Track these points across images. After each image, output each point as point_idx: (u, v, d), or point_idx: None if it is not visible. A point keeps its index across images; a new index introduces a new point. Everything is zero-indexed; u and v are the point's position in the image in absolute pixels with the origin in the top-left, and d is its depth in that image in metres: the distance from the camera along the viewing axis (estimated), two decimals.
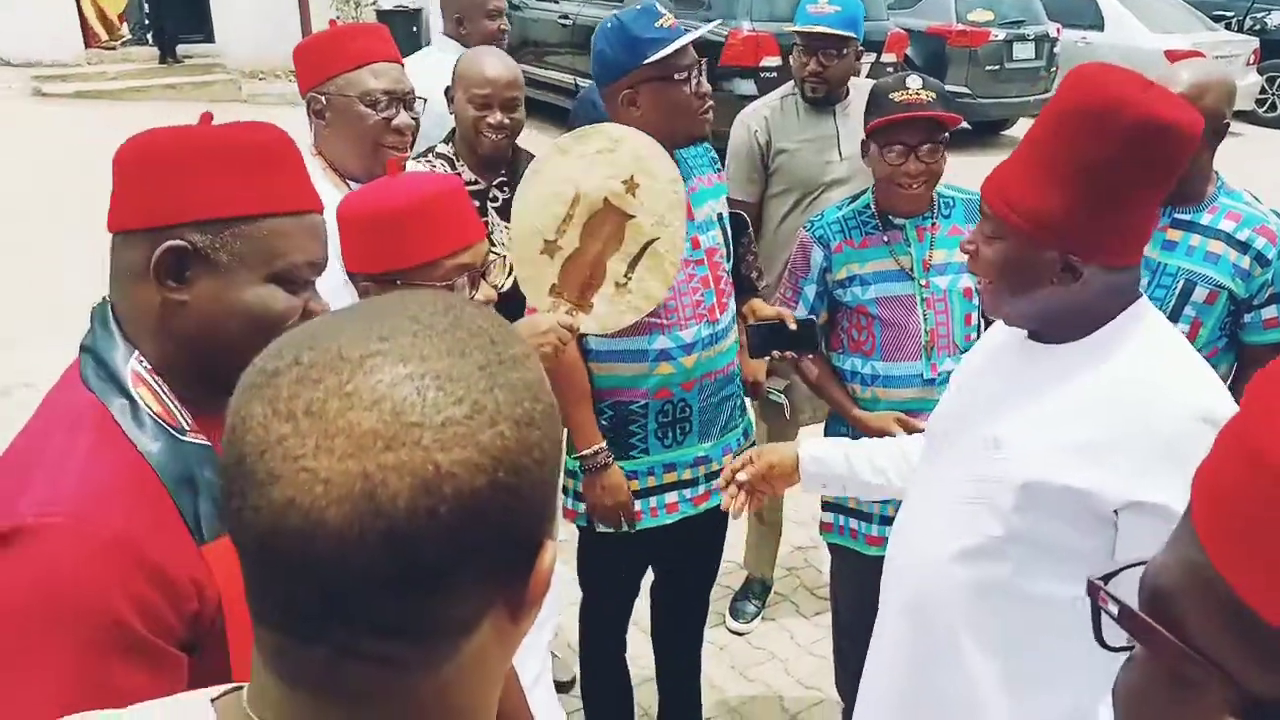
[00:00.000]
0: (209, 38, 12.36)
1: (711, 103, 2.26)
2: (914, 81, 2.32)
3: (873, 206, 2.46)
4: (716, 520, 2.48)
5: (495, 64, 2.55)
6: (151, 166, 1.09)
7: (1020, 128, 10.65)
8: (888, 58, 8.66)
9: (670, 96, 2.19)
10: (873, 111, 2.36)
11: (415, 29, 12.56)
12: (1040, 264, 1.40)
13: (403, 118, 2.04)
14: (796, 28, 3.12)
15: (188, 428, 1.10)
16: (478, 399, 0.60)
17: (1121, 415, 1.36)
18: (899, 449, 1.87)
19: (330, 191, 1.97)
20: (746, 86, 8.13)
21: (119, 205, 1.11)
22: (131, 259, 1.10)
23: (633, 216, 2.12)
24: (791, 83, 3.26)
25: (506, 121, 2.53)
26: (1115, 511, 1.37)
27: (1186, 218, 2.36)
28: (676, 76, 2.18)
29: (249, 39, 12.08)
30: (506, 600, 0.63)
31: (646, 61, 2.15)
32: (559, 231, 2.12)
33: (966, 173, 2.50)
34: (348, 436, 0.57)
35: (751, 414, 2.74)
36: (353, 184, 2.03)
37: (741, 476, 1.89)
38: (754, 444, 2.56)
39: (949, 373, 2.38)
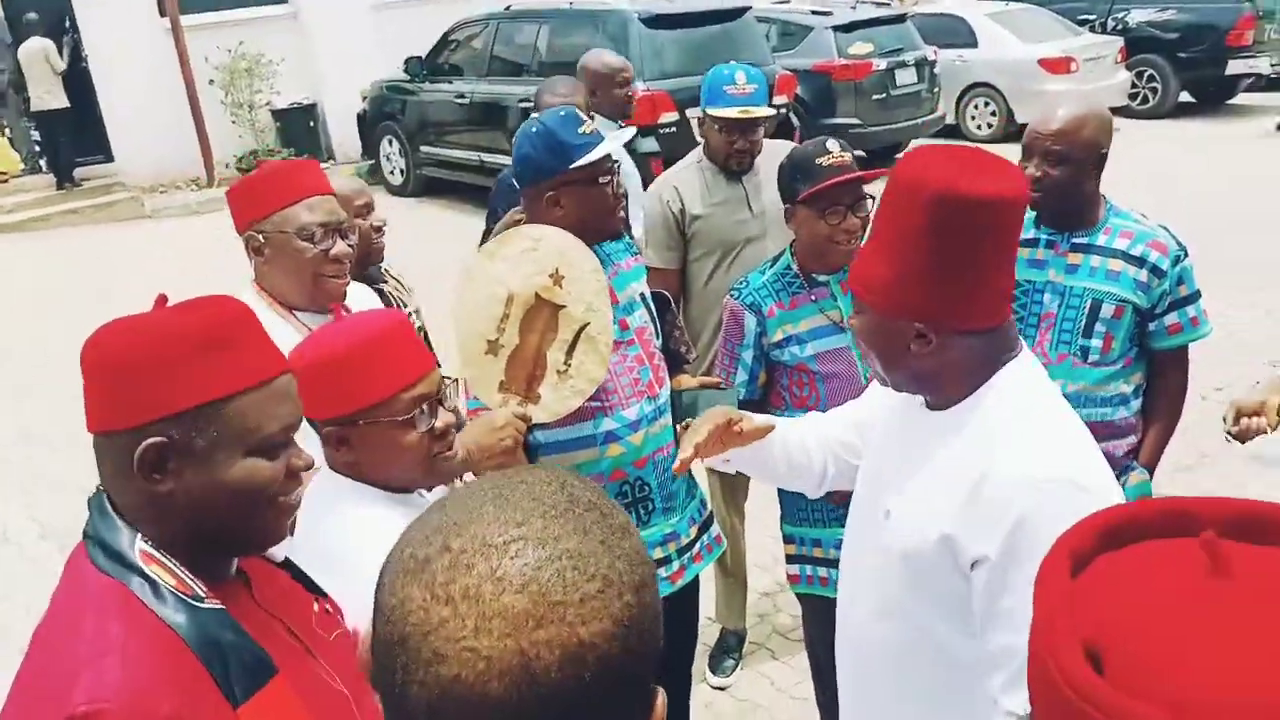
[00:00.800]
0: (108, 157, 12.24)
1: (626, 201, 2.38)
2: (834, 144, 2.45)
3: (794, 267, 2.56)
4: (691, 594, 2.54)
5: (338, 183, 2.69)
6: (117, 367, 1.13)
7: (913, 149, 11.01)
8: (779, 99, 8.94)
9: (592, 198, 2.29)
10: (802, 178, 2.45)
11: (312, 124, 12.61)
12: (896, 333, 1.49)
13: (340, 247, 2.09)
14: (719, 112, 3.22)
15: (204, 595, 1.16)
16: (606, 573, 0.69)
17: (968, 480, 1.45)
18: (806, 448, 1.92)
19: (277, 322, 2.04)
20: (648, 144, 8.30)
21: (94, 407, 1.16)
22: (115, 457, 1.15)
23: (563, 306, 2.23)
24: (698, 150, 3.40)
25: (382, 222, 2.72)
26: (971, 567, 1.46)
27: (1083, 240, 2.52)
28: (600, 180, 2.28)
29: (149, 153, 11.99)
30: None
31: (572, 166, 2.25)
32: (499, 330, 2.22)
33: None
34: (503, 618, 0.66)
35: (702, 480, 2.81)
36: (297, 313, 2.08)
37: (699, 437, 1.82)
38: (711, 513, 2.64)
39: None
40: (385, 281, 2.78)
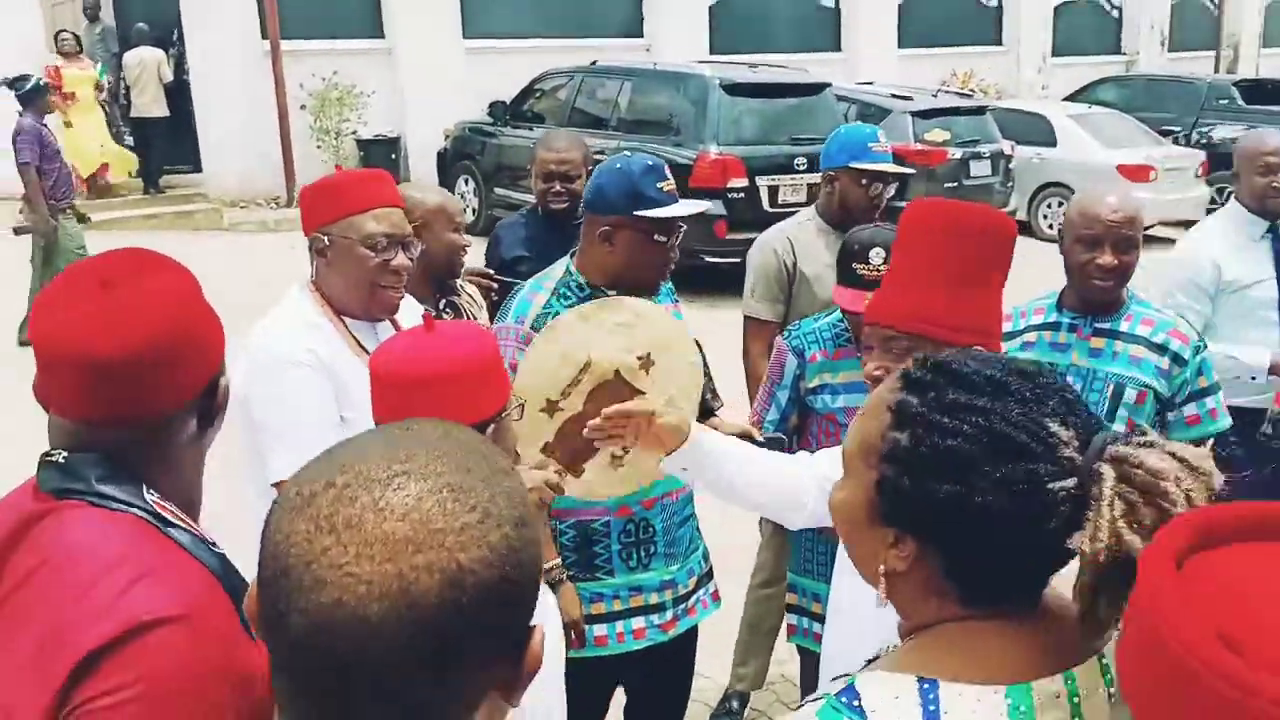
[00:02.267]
0: (196, 168, 12.66)
1: (673, 266, 2.40)
2: (877, 255, 2.46)
3: (845, 321, 2.61)
4: (686, 646, 2.52)
5: (444, 198, 2.82)
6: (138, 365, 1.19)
7: None
8: None
9: (643, 251, 2.31)
10: (841, 267, 2.53)
11: (394, 156, 12.93)
12: None
13: (400, 259, 2.11)
14: (869, 165, 3.29)
15: (213, 541, 1.23)
16: (485, 506, 0.73)
17: None
18: (780, 469, 1.92)
19: (324, 324, 2.09)
20: (716, 207, 8.42)
21: (138, 396, 1.20)
22: (165, 426, 1.23)
23: (642, 393, 2.15)
24: (811, 209, 3.48)
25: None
26: None
27: (1106, 326, 2.53)
28: (657, 237, 2.30)
29: (234, 169, 12.37)
30: (504, 678, 0.76)
31: (636, 214, 2.27)
32: (563, 394, 2.13)
33: None
34: (384, 544, 0.68)
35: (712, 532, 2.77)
36: (346, 319, 2.12)
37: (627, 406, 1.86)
38: (711, 568, 2.62)
39: None
40: (459, 295, 2.86)
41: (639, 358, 2.17)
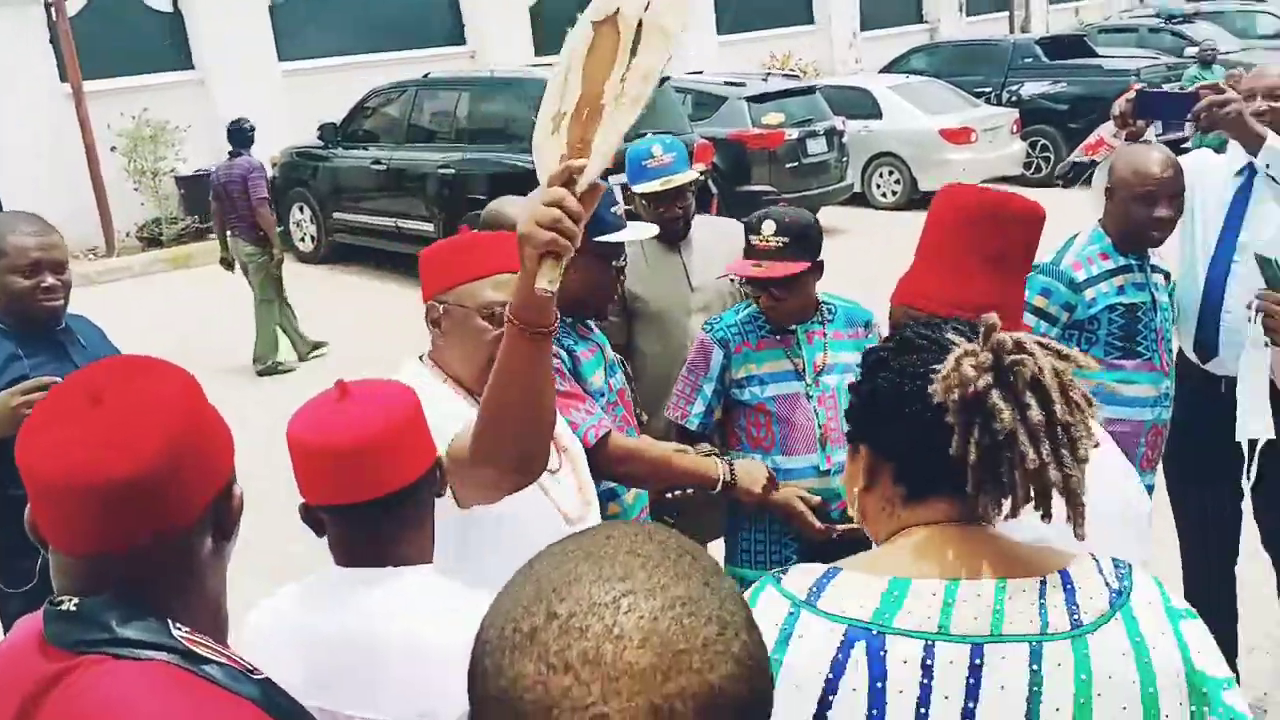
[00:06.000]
0: None
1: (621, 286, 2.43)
2: (768, 226, 2.53)
3: (762, 314, 2.65)
4: None
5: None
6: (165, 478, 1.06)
7: (823, 215, 11.29)
8: (698, 167, 9.07)
9: (599, 275, 2.30)
10: (745, 248, 2.60)
11: None
12: None
13: None
14: (644, 188, 3.18)
15: (253, 668, 1.10)
16: (719, 614, 0.66)
17: None
18: None
19: (451, 396, 1.87)
20: None
21: (163, 512, 1.07)
22: (181, 547, 1.09)
23: (616, 10, 1.74)
24: None
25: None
26: None
27: (1151, 263, 2.86)
28: (615, 262, 2.31)
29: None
30: None
31: (596, 240, 2.19)
32: (561, 95, 1.76)
33: None
34: (630, 676, 0.62)
35: None
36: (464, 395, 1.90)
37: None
38: None
39: (842, 463, 2.52)
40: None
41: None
